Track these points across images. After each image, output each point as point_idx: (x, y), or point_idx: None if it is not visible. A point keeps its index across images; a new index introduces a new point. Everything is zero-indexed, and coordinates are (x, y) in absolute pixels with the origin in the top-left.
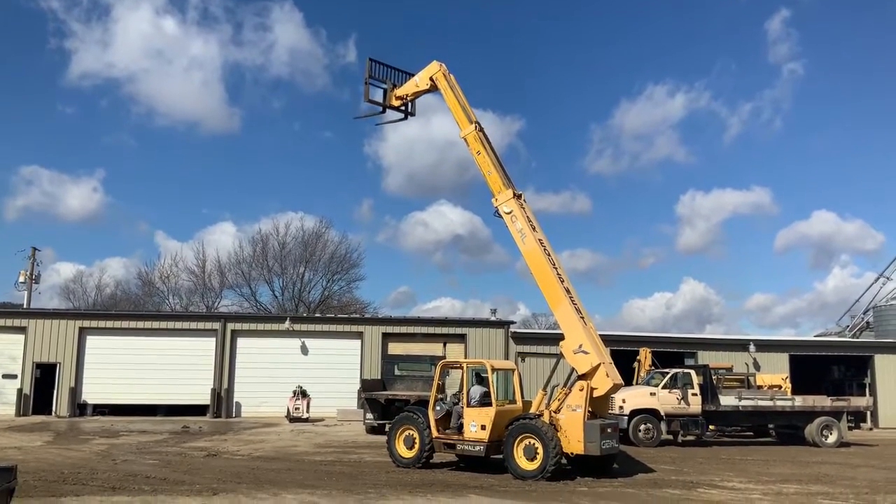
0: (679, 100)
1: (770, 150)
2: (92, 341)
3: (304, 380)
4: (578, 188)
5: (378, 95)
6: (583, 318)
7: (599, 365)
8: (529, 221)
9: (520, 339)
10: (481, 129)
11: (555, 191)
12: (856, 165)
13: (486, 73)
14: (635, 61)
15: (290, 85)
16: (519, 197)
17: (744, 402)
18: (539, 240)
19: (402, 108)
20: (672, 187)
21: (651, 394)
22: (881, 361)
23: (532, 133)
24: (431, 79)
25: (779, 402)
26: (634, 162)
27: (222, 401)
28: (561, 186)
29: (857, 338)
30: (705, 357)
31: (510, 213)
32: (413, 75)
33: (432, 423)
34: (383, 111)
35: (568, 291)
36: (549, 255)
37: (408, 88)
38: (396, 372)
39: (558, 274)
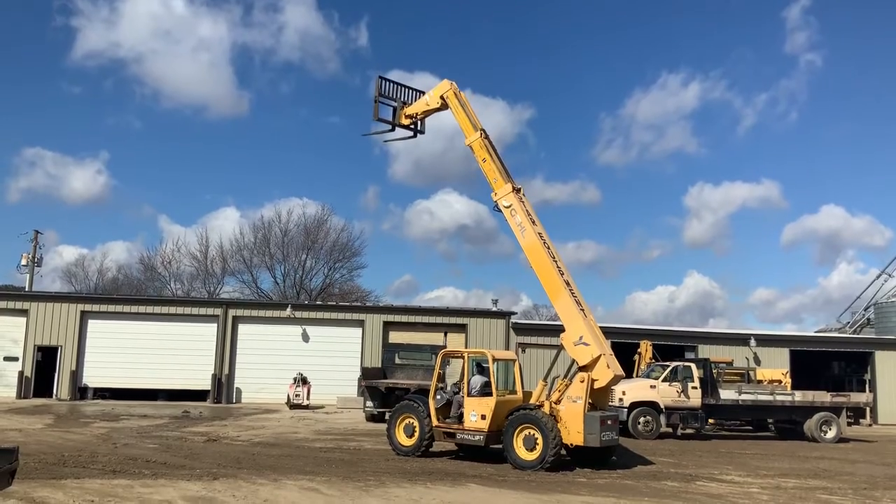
0: (693, 89)
1: (783, 143)
2: (93, 325)
3: (305, 367)
4: (588, 178)
5: (387, 113)
6: (583, 310)
7: (600, 356)
8: (529, 215)
9: (521, 329)
10: (486, 136)
11: (563, 181)
12: (868, 160)
13: (496, 61)
14: (650, 49)
15: (299, 69)
16: (518, 191)
17: (743, 397)
18: (539, 233)
19: (412, 126)
20: (682, 179)
21: (651, 386)
22: (881, 358)
23: (542, 122)
24: (442, 97)
25: (778, 397)
26: (645, 152)
27: (223, 386)
28: (570, 176)
29: (858, 334)
30: (706, 351)
31: (509, 207)
32: (423, 93)
33: (432, 412)
34: (392, 129)
35: (568, 284)
36: (548, 248)
37: (418, 107)
38: (397, 360)
39: (558, 267)
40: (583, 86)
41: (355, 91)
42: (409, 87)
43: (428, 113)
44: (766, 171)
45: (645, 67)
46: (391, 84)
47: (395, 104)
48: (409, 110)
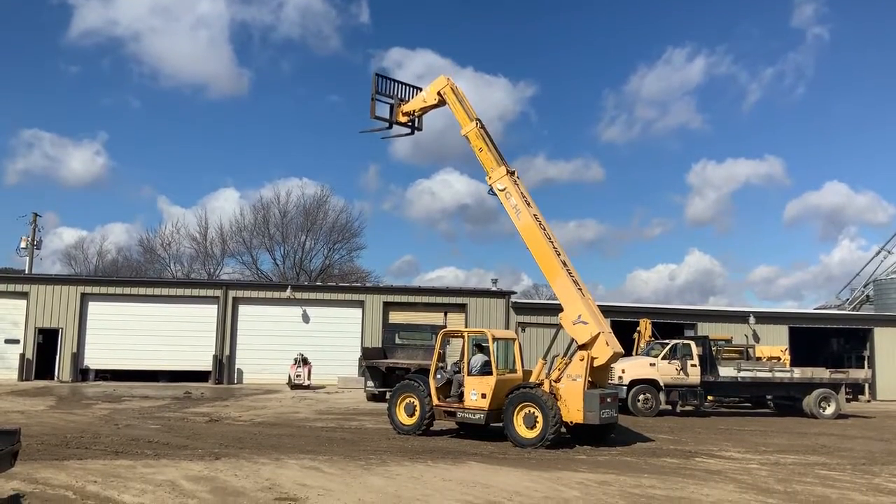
0: (698, 64)
1: (787, 119)
2: (94, 307)
3: (306, 347)
4: (591, 156)
5: (385, 111)
6: (580, 289)
7: (599, 334)
8: (524, 197)
9: (520, 309)
10: (482, 126)
11: (566, 159)
12: (873, 136)
13: (498, 37)
14: (655, 23)
15: (300, 46)
16: (512, 174)
17: (742, 374)
18: (534, 215)
19: (409, 123)
20: (685, 156)
21: (651, 364)
22: (880, 334)
23: (544, 99)
24: (439, 93)
25: (777, 374)
26: (648, 129)
27: (224, 367)
28: (572, 154)
29: (857, 311)
30: (705, 328)
31: (504, 190)
32: (420, 89)
33: (433, 392)
34: (390, 127)
35: (564, 264)
36: (544, 229)
37: (415, 104)
38: (397, 340)
39: (554, 247)
40: (586, 62)
41: (356, 69)
42: (406, 84)
43: (425, 110)
44: (770, 148)
45: (650, 42)
46: (388, 81)
47: (391, 101)
48: (406, 108)
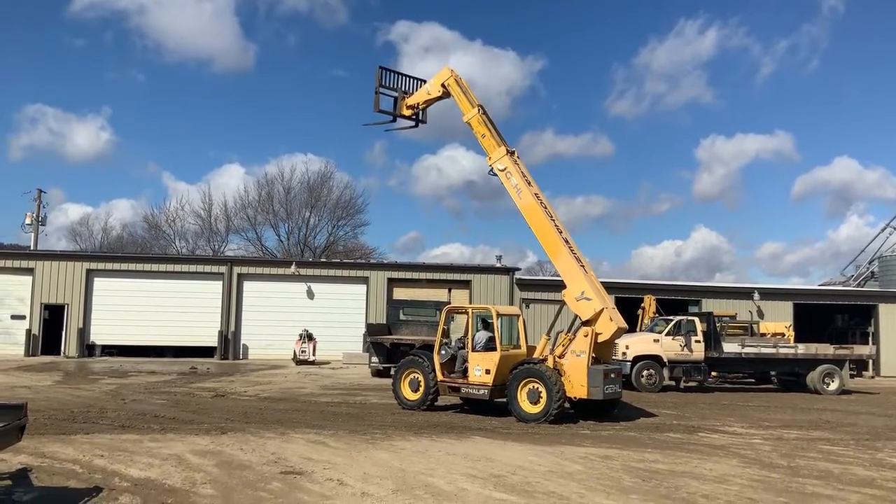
0: (710, 36)
1: (799, 93)
2: (99, 283)
3: (310, 323)
4: (600, 130)
5: (389, 104)
6: (583, 266)
7: (602, 310)
8: (524, 176)
9: (524, 285)
10: (484, 112)
11: (575, 133)
12: (884, 111)
13: (507, 10)
14: None
15: (306, 19)
16: (512, 154)
17: (746, 350)
18: (535, 194)
19: (413, 116)
20: (694, 131)
21: (654, 340)
22: (885, 310)
23: (553, 73)
24: (443, 85)
25: (781, 350)
26: (658, 104)
27: (229, 343)
28: (581, 129)
29: (862, 287)
30: (710, 305)
31: (504, 170)
32: (424, 81)
33: (437, 367)
34: (394, 120)
35: (567, 242)
36: (545, 207)
37: (419, 97)
38: (401, 317)
39: (556, 225)
40: (596, 35)
41: (363, 42)
42: (410, 77)
43: (430, 102)
44: (781, 123)
45: (662, 13)
46: (392, 74)
47: (395, 94)
48: (410, 101)
